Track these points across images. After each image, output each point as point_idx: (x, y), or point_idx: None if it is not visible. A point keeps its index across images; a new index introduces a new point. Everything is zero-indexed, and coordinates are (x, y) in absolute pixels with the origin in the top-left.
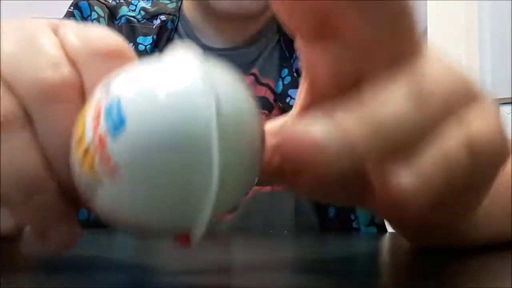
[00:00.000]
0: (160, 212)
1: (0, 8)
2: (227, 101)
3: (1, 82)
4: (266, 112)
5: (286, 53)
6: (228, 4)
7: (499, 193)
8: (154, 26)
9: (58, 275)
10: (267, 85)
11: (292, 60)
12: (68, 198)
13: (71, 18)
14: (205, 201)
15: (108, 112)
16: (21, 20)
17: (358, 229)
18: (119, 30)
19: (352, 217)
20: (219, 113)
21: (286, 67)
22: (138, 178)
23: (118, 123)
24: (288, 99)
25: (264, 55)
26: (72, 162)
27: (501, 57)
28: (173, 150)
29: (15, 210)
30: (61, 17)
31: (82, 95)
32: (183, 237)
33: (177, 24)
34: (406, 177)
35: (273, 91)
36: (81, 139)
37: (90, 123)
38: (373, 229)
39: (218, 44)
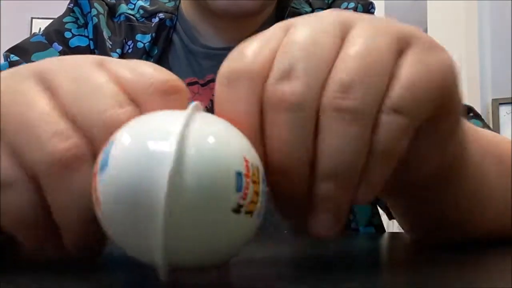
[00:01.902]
0: (126, 244)
1: (0, 8)
2: (192, 170)
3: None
4: None
5: None
6: (224, 3)
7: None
8: (152, 24)
9: (58, 275)
10: None
11: None
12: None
13: (71, 14)
14: (155, 249)
15: (104, 151)
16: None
17: (356, 229)
18: (119, 27)
19: (350, 217)
20: (178, 179)
21: None
22: (109, 215)
23: (103, 165)
24: None
25: None
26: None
27: (501, 57)
28: (130, 202)
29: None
30: (61, 14)
31: None
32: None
33: (175, 23)
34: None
35: None
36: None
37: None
38: (371, 229)
39: (216, 43)
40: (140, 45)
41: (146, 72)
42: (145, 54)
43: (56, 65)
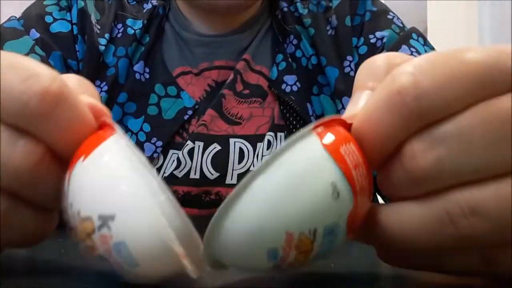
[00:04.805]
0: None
1: (0, 8)
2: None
3: None
4: (260, 100)
5: (280, 37)
6: (211, 2)
7: None
8: (144, 10)
9: (58, 275)
10: (260, 73)
11: (285, 45)
12: None
13: None
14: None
15: (118, 252)
16: None
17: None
18: (109, 8)
19: None
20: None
21: (280, 52)
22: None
23: (132, 264)
24: (283, 86)
25: (256, 41)
26: (65, 209)
27: None
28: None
29: None
30: None
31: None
32: None
33: (168, 11)
34: None
35: (267, 78)
36: (87, 219)
37: (97, 236)
38: None
39: (209, 31)
40: (130, 31)
41: (7, 91)
42: (135, 41)
43: None
